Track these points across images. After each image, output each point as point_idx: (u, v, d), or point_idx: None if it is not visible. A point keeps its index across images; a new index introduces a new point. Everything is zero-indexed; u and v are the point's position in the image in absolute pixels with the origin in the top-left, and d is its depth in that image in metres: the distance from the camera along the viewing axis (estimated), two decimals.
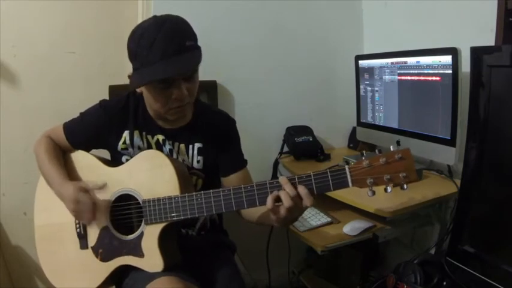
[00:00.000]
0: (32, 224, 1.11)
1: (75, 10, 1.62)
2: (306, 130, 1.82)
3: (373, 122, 1.69)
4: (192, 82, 0.99)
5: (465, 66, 1.19)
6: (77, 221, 1.06)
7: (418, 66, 1.41)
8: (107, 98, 1.26)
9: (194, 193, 0.95)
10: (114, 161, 1.12)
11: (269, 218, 0.93)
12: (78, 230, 1.05)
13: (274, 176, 1.83)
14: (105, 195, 1.04)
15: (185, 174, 1.04)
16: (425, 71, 1.38)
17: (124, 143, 1.10)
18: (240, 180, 1.13)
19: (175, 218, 0.96)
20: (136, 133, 1.10)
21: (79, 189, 0.98)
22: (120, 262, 1.01)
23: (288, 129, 1.83)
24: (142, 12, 1.63)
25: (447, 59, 1.28)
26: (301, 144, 1.78)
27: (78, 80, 1.67)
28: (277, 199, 0.88)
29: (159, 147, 1.11)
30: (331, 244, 1.27)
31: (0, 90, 1.58)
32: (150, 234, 0.98)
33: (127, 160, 1.09)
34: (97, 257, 1.03)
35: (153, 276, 0.95)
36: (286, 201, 0.85)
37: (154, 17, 0.96)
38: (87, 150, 1.13)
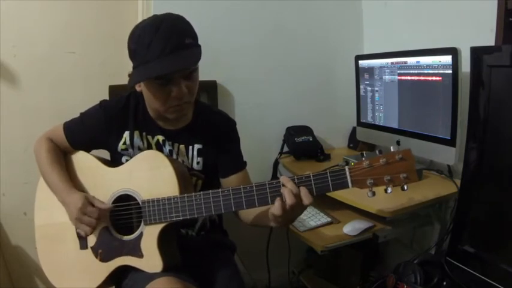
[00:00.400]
0: (32, 224, 1.11)
1: (75, 10, 1.62)
2: (306, 130, 1.82)
3: (373, 122, 1.69)
4: (192, 80, 0.99)
5: (465, 66, 1.19)
6: None
7: (418, 66, 1.41)
8: (107, 98, 1.27)
9: (193, 194, 0.95)
10: (114, 161, 1.12)
11: (267, 218, 0.93)
12: (78, 230, 1.05)
13: (274, 176, 1.83)
14: (105, 196, 1.04)
15: (185, 175, 1.04)
16: (425, 71, 1.37)
17: (124, 143, 1.10)
18: (240, 182, 1.12)
19: (174, 219, 0.96)
20: (136, 133, 1.10)
21: (85, 200, 0.99)
22: (119, 262, 1.01)
23: (288, 129, 1.83)
24: (142, 12, 1.63)
25: (447, 59, 1.28)
26: (301, 144, 1.78)
27: (78, 80, 1.67)
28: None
29: (159, 147, 1.11)
30: (331, 244, 1.26)
31: (0, 90, 1.58)
32: (150, 234, 0.98)
33: (127, 160, 1.09)
34: (97, 257, 1.03)
35: (152, 276, 0.95)
36: (289, 199, 0.85)
37: (154, 16, 0.96)
38: (87, 150, 1.13)
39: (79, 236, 1.05)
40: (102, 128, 1.09)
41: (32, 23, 1.58)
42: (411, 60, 1.44)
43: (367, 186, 0.86)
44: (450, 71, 1.27)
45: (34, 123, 1.60)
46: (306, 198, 0.86)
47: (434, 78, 1.34)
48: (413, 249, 1.58)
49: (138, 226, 1.01)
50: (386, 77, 1.57)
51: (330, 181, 0.86)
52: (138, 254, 0.99)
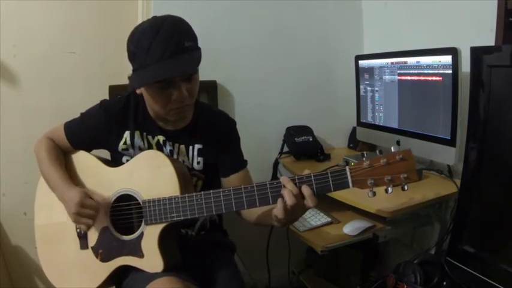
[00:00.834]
0: (32, 224, 1.11)
1: (75, 10, 1.62)
2: (306, 130, 1.82)
3: (373, 122, 1.69)
4: (192, 83, 0.99)
5: (465, 66, 1.19)
6: None
7: (418, 66, 1.41)
8: (107, 98, 1.27)
9: (194, 193, 0.95)
10: (115, 161, 1.12)
11: (269, 217, 0.93)
12: (78, 230, 1.05)
13: (274, 176, 1.83)
14: (106, 196, 1.04)
15: (185, 175, 1.04)
16: (425, 71, 1.38)
17: (125, 143, 1.10)
18: (240, 181, 1.13)
19: (175, 219, 0.96)
20: (137, 133, 1.10)
21: (84, 194, 0.99)
22: (120, 262, 1.01)
23: (288, 129, 1.83)
24: (142, 13, 1.63)
25: (447, 59, 1.28)
26: (301, 144, 1.78)
27: (78, 80, 1.67)
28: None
29: (160, 147, 1.11)
30: (331, 244, 1.27)
31: (0, 90, 1.58)
32: (150, 234, 0.98)
33: (127, 160, 1.09)
34: (97, 257, 1.03)
35: (153, 276, 0.95)
36: (289, 199, 0.85)
37: (154, 17, 0.96)
38: (88, 150, 1.13)
39: (79, 236, 1.05)
40: (103, 128, 1.09)
41: (32, 23, 1.58)
42: (411, 60, 1.44)
43: (368, 186, 0.86)
44: (450, 71, 1.27)
45: (34, 123, 1.60)
46: (310, 200, 0.86)
47: (434, 78, 1.34)
48: (413, 249, 1.58)
49: (139, 226, 1.01)
50: (387, 77, 1.57)
51: (330, 181, 0.87)
52: (139, 254, 0.99)
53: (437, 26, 1.56)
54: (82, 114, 1.13)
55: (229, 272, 1.10)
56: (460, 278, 1.06)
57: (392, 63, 1.53)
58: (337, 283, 1.72)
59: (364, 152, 0.89)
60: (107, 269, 1.02)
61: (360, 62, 1.73)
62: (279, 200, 0.87)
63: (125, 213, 1.03)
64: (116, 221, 1.04)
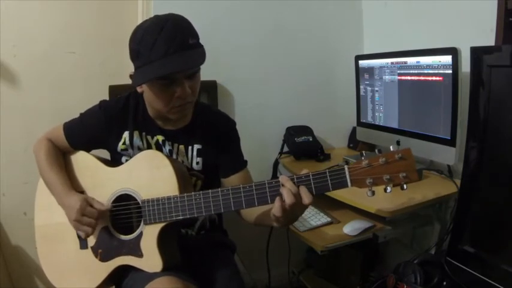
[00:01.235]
0: (32, 224, 1.12)
1: (75, 10, 1.62)
2: (306, 130, 1.82)
3: (373, 122, 1.69)
4: (195, 80, 1.00)
5: (465, 66, 1.19)
6: None
7: (418, 66, 1.41)
8: (107, 98, 1.27)
9: (193, 193, 0.95)
10: (114, 161, 1.12)
11: (269, 217, 0.93)
12: (78, 232, 1.05)
13: (274, 176, 1.83)
14: (105, 196, 1.04)
15: (184, 175, 1.04)
16: (425, 71, 1.37)
17: (124, 143, 1.10)
18: (241, 181, 1.12)
19: (174, 218, 0.96)
20: (136, 133, 1.10)
21: (85, 202, 0.99)
22: (119, 262, 1.01)
23: (288, 129, 1.83)
24: (142, 13, 1.63)
25: (447, 59, 1.28)
26: (301, 144, 1.78)
27: (78, 80, 1.67)
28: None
29: (159, 147, 1.11)
30: (331, 244, 1.26)
31: (0, 90, 1.58)
32: (149, 234, 0.98)
33: (127, 160, 1.09)
34: (96, 257, 1.03)
35: (152, 276, 0.95)
36: (288, 198, 0.85)
37: (156, 16, 0.96)
38: (87, 150, 1.13)
39: (79, 236, 1.05)
40: (102, 128, 1.09)
41: (32, 23, 1.58)
42: (411, 60, 1.44)
43: (367, 185, 0.86)
44: (450, 71, 1.27)
45: (34, 123, 1.60)
46: (306, 197, 0.85)
47: (434, 78, 1.34)
48: (413, 249, 1.58)
49: (138, 226, 1.01)
50: (386, 77, 1.57)
51: (329, 180, 0.86)
52: (138, 253, 0.99)
53: (437, 26, 1.56)
54: (81, 114, 1.13)
55: (229, 271, 1.10)
56: (460, 278, 1.06)
57: (392, 63, 1.53)
58: (337, 283, 1.72)
59: (363, 152, 0.88)
60: (106, 268, 1.02)
61: (360, 62, 1.73)
62: (277, 199, 0.87)
63: (124, 213, 1.03)
64: (115, 221, 1.04)
